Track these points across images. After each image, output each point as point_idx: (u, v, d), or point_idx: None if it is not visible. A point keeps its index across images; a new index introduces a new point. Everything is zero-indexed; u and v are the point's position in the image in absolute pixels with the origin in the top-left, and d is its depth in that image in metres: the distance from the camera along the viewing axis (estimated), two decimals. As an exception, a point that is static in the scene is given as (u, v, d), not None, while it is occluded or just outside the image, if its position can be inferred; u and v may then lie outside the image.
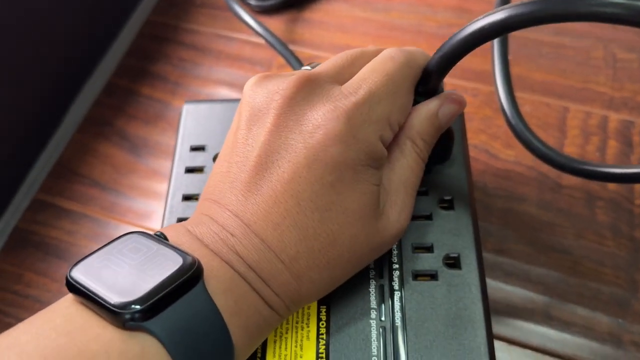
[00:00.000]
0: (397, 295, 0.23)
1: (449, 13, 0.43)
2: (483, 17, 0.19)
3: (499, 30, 0.19)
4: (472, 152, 0.36)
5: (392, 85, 0.22)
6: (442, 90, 0.25)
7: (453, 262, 0.24)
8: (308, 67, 0.25)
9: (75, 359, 0.16)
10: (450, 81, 0.39)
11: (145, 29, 0.46)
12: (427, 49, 0.23)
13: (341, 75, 0.23)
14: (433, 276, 0.24)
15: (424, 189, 0.26)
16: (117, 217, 0.38)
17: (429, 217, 0.25)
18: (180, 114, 0.30)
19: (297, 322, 0.23)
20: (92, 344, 0.17)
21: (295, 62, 0.37)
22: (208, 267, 0.19)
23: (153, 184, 0.39)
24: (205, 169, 0.28)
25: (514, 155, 0.36)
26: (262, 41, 0.43)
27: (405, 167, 0.23)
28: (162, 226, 0.27)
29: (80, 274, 0.18)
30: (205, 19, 0.46)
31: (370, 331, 0.22)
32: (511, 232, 0.33)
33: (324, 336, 0.23)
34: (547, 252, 0.33)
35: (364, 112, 0.21)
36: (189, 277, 0.18)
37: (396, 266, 0.24)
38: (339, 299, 0.23)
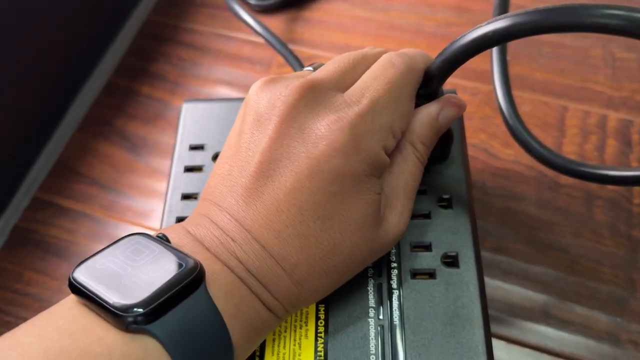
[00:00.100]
0: (395, 293, 0.23)
1: (448, 12, 0.43)
2: (486, 24, 0.19)
3: (502, 38, 0.19)
4: (471, 151, 0.36)
5: (395, 93, 0.22)
6: (442, 92, 0.25)
7: (451, 261, 0.24)
8: (310, 68, 0.25)
9: None
10: (449, 80, 0.39)
11: (145, 28, 0.46)
12: (427, 49, 0.23)
13: (343, 81, 0.22)
14: (431, 275, 0.24)
15: (423, 188, 0.26)
16: (116, 216, 0.38)
17: (427, 216, 0.25)
18: (179, 113, 0.30)
19: (295, 321, 0.23)
20: (94, 345, 0.17)
21: (295, 61, 0.37)
22: (209, 270, 0.19)
23: (152, 183, 0.39)
24: (204, 168, 0.28)
25: (512, 155, 0.36)
26: (261, 40, 0.43)
27: (406, 171, 0.23)
28: (161, 225, 0.27)
29: (83, 276, 0.18)
30: (204, 18, 0.46)
31: (369, 330, 0.23)
32: (510, 231, 0.34)
33: (323, 335, 0.23)
34: (546, 251, 0.33)
35: (367, 122, 0.21)
36: (192, 280, 0.18)
37: (394, 265, 0.24)
38: (337, 298, 0.23)
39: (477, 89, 0.39)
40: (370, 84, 0.22)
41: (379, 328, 0.23)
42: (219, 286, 0.19)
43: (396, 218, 0.22)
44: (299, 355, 0.22)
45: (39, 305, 0.35)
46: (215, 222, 0.21)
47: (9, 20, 0.37)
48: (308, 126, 0.21)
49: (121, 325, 0.17)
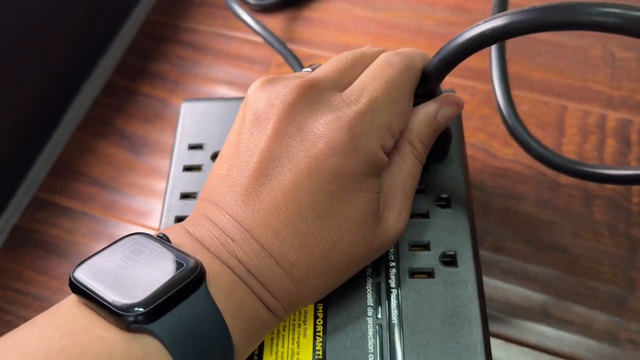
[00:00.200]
0: (393, 293, 0.23)
1: (448, 12, 0.43)
2: (483, 23, 0.19)
3: (499, 36, 0.19)
4: (471, 151, 0.36)
5: (393, 92, 0.22)
6: (440, 91, 0.25)
7: (450, 260, 0.24)
8: (309, 69, 0.25)
9: None
10: (448, 79, 0.39)
11: (145, 28, 0.46)
12: (426, 48, 0.23)
13: (342, 81, 0.23)
14: (430, 274, 0.24)
15: (421, 187, 0.26)
16: (116, 216, 0.38)
17: (426, 215, 0.25)
18: (178, 113, 0.31)
19: (294, 320, 0.23)
20: (95, 345, 0.17)
21: (294, 61, 0.37)
22: (210, 270, 0.19)
23: (152, 182, 0.39)
24: (203, 168, 0.28)
25: (512, 154, 0.36)
26: (261, 40, 0.43)
27: (404, 171, 0.23)
28: (160, 224, 0.27)
29: (84, 275, 0.18)
30: (204, 17, 0.46)
31: (367, 329, 0.23)
32: (509, 230, 0.34)
33: (321, 334, 0.23)
34: (545, 251, 0.33)
35: (366, 122, 0.21)
36: (192, 280, 0.18)
37: (393, 264, 0.24)
38: (335, 297, 0.23)
39: (476, 88, 0.39)
40: (368, 83, 0.22)
41: (377, 327, 0.23)
42: (220, 286, 0.19)
43: (395, 217, 0.22)
44: (298, 354, 0.22)
45: (39, 304, 0.35)
46: (214, 222, 0.21)
47: (9, 20, 0.37)
48: (307, 125, 0.21)
49: (122, 325, 0.17)
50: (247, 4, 0.45)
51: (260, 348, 0.23)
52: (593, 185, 0.34)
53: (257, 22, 0.40)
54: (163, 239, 0.20)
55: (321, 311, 0.23)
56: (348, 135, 0.21)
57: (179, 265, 0.18)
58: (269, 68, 0.43)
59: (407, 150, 0.23)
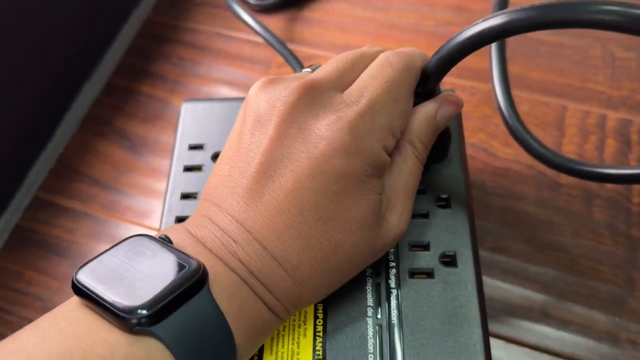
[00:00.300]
0: (393, 293, 0.23)
1: (448, 12, 0.43)
2: (482, 21, 0.19)
3: (498, 34, 0.19)
4: (471, 151, 0.36)
5: (393, 92, 0.22)
6: (439, 90, 0.25)
7: (449, 260, 0.24)
8: (309, 70, 0.25)
9: None
10: (448, 79, 0.39)
11: (145, 28, 0.46)
12: (426, 48, 0.23)
13: (342, 81, 0.23)
14: (429, 274, 0.24)
15: (421, 187, 0.26)
16: (117, 216, 0.38)
17: (425, 216, 0.25)
18: (178, 113, 0.31)
19: (294, 320, 0.23)
20: (98, 347, 0.17)
21: (294, 61, 0.37)
22: (212, 272, 0.19)
23: (153, 182, 0.39)
24: (203, 168, 0.28)
25: (512, 154, 0.36)
26: (261, 40, 0.43)
27: (405, 171, 0.23)
28: (160, 224, 0.27)
29: (87, 277, 0.18)
30: (204, 17, 0.46)
31: (367, 329, 0.23)
32: (509, 230, 0.34)
33: (321, 334, 0.23)
34: (545, 251, 0.33)
35: (367, 122, 0.21)
36: (195, 282, 0.18)
37: (393, 264, 0.24)
38: (335, 297, 0.23)
39: (476, 88, 0.39)
40: (368, 84, 0.22)
41: (377, 327, 0.23)
42: (222, 287, 0.19)
43: (396, 218, 0.22)
44: (298, 354, 0.22)
45: (40, 304, 0.35)
46: (216, 223, 0.21)
47: (9, 20, 0.37)
48: (308, 126, 0.21)
49: (125, 327, 0.17)
50: (248, 4, 0.45)
51: (260, 348, 0.23)
52: (593, 185, 0.34)
53: (258, 22, 0.40)
54: (165, 241, 0.20)
55: (321, 311, 0.23)
56: (350, 136, 0.21)
57: (181, 267, 0.18)
58: (270, 68, 0.43)
59: (408, 151, 0.23)
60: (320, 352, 0.22)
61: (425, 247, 0.24)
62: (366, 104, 0.21)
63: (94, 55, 0.45)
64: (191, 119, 0.30)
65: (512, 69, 0.38)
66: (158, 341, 0.17)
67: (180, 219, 0.27)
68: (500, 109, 0.29)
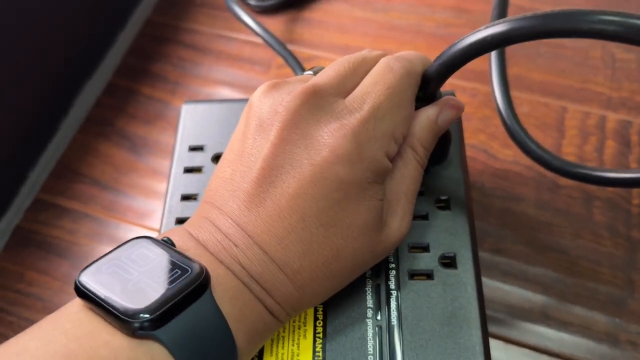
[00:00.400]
0: (393, 294, 0.23)
1: (447, 13, 0.43)
2: (485, 28, 0.20)
3: (500, 42, 0.19)
4: (471, 152, 0.36)
5: (395, 98, 0.22)
6: (440, 94, 0.25)
7: (449, 262, 0.24)
8: (310, 72, 0.25)
9: None
10: (449, 81, 0.39)
11: (146, 29, 0.46)
12: (426, 49, 0.23)
13: (344, 86, 0.23)
14: (429, 276, 0.24)
15: (421, 189, 0.26)
16: (117, 216, 0.38)
17: (425, 217, 0.25)
18: (179, 114, 0.31)
19: (294, 322, 0.23)
20: (101, 350, 0.17)
21: (295, 62, 0.37)
22: (214, 275, 0.19)
23: (153, 183, 0.39)
24: (203, 169, 0.28)
25: (512, 155, 0.36)
26: (261, 41, 0.43)
27: (407, 176, 0.23)
28: (161, 225, 0.27)
29: (89, 280, 0.18)
30: (205, 19, 0.46)
31: (367, 330, 0.23)
32: (509, 232, 0.34)
33: (321, 336, 0.23)
34: (545, 252, 0.33)
35: (370, 129, 0.21)
36: (198, 286, 0.18)
37: (392, 266, 0.24)
38: (335, 299, 0.23)
39: (476, 89, 0.39)
40: (370, 90, 0.22)
41: (377, 329, 0.23)
42: (224, 291, 0.19)
43: (398, 223, 0.23)
44: (298, 355, 0.22)
45: (41, 305, 0.35)
46: (217, 226, 0.21)
47: (9, 20, 0.37)
48: (311, 133, 0.21)
49: (128, 331, 0.17)
50: (248, 5, 0.45)
51: (261, 350, 0.23)
52: (593, 187, 0.34)
53: (258, 23, 0.40)
54: (167, 243, 0.20)
55: (321, 313, 0.23)
56: (352, 143, 0.21)
57: (184, 270, 0.19)
58: (270, 69, 0.43)
59: (409, 155, 0.23)
60: (320, 354, 0.22)
61: (425, 248, 0.24)
62: (369, 111, 0.21)
63: (95, 56, 0.45)
64: (191, 120, 0.30)
65: (512, 70, 0.38)
66: (160, 345, 0.17)
67: (180, 221, 0.27)
68: (499, 110, 0.30)
